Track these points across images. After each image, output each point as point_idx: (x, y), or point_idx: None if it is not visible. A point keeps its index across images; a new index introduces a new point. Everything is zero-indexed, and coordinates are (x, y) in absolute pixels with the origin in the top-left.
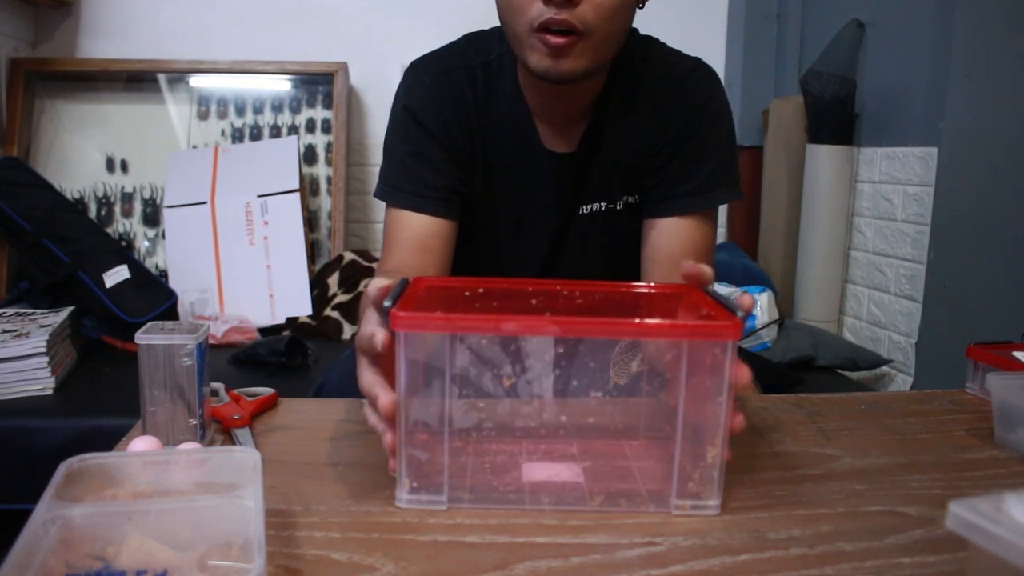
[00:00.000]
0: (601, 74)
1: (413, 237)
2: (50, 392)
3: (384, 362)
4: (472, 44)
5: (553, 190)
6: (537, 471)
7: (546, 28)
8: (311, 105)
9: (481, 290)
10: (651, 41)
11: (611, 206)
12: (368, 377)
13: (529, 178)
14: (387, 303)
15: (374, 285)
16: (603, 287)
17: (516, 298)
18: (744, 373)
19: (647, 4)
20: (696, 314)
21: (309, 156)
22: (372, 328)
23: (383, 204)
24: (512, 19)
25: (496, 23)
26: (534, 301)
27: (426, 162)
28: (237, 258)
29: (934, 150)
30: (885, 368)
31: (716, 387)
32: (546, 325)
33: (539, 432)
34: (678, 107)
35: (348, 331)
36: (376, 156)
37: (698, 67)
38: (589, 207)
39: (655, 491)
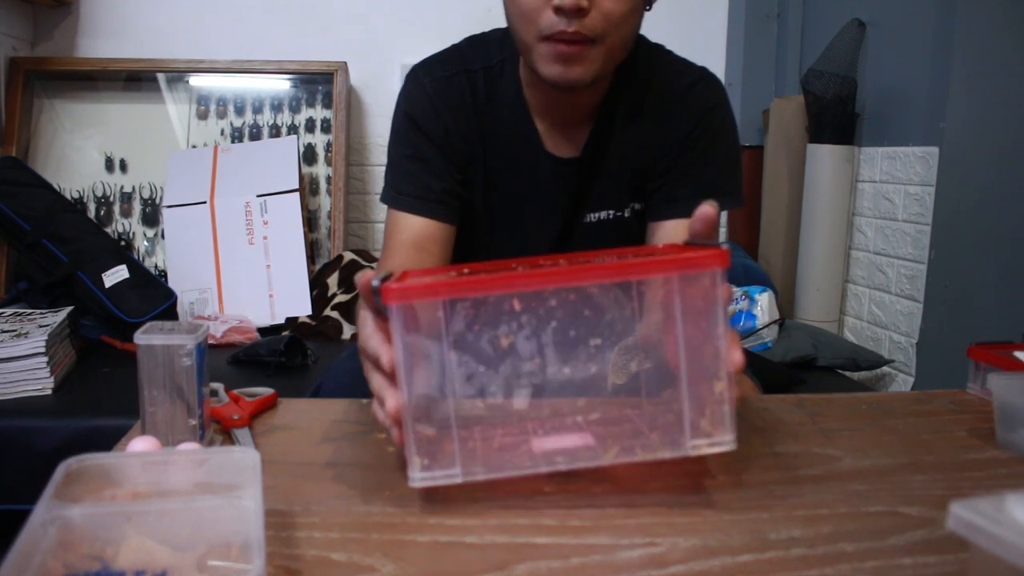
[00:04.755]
0: (606, 77)
1: (410, 239)
2: (49, 392)
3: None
4: (474, 47)
5: (555, 194)
6: (547, 443)
7: (556, 38)
8: (311, 105)
9: (467, 271)
10: (658, 49)
11: (619, 213)
12: (378, 380)
13: (531, 181)
14: (375, 283)
15: (363, 276)
16: (588, 257)
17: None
18: (739, 357)
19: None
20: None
21: (309, 156)
22: (376, 345)
23: (383, 205)
24: (521, 26)
25: (498, 24)
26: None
27: (426, 166)
28: (236, 258)
29: (935, 150)
30: (886, 368)
31: (711, 323)
32: (534, 277)
33: (544, 397)
34: (683, 115)
35: (348, 331)
36: (376, 155)
37: (704, 77)
38: (596, 215)
39: (668, 438)
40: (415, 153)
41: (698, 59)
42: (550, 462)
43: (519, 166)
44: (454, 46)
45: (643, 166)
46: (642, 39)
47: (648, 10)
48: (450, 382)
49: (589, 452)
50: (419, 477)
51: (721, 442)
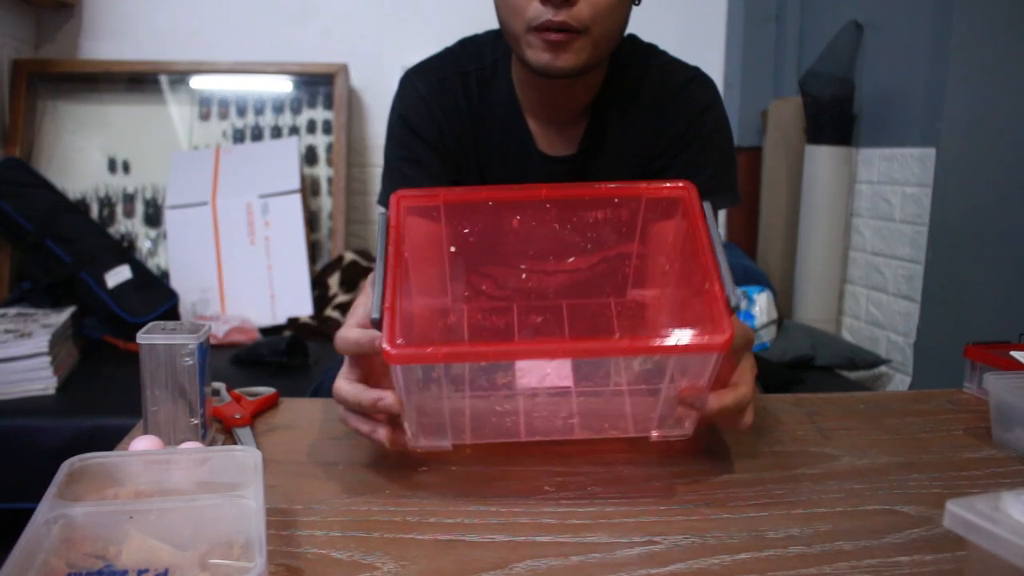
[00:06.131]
0: (598, 72)
1: None
2: (52, 392)
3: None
4: (467, 50)
5: None
6: (529, 373)
7: (543, 28)
8: (312, 106)
9: (466, 230)
10: (651, 48)
11: None
12: (365, 423)
13: (523, 181)
14: (375, 316)
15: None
16: (580, 188)
17: (506, 255)
18: (714, 405)
19: (645, 2)
20: (693, 290)
21: (310, 157)
22: (363, 391)
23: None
24: (509, 18)
25: (495, 25)
26: (529, 257)
27: (421, 168)
28: (238, 258)
29: (932, 151)
30: (883, 368)
31: (700, 376)
32: (544, 350)
33: (532, 297)
34: (676, 115)
35: None
36: (376, 157)
37: (697, 76)
38: None
39: (638, 416)
40: (410, 156)
41: (697, 60)
42: (532, 430)
43: (512, 167)
44: (447, 49)
45: (637, 165)
46: (634, 38)
47: (637, 3)
48: (446, 415)
49: (565, 408)
50: (417, 443)
51: (679, 433)
